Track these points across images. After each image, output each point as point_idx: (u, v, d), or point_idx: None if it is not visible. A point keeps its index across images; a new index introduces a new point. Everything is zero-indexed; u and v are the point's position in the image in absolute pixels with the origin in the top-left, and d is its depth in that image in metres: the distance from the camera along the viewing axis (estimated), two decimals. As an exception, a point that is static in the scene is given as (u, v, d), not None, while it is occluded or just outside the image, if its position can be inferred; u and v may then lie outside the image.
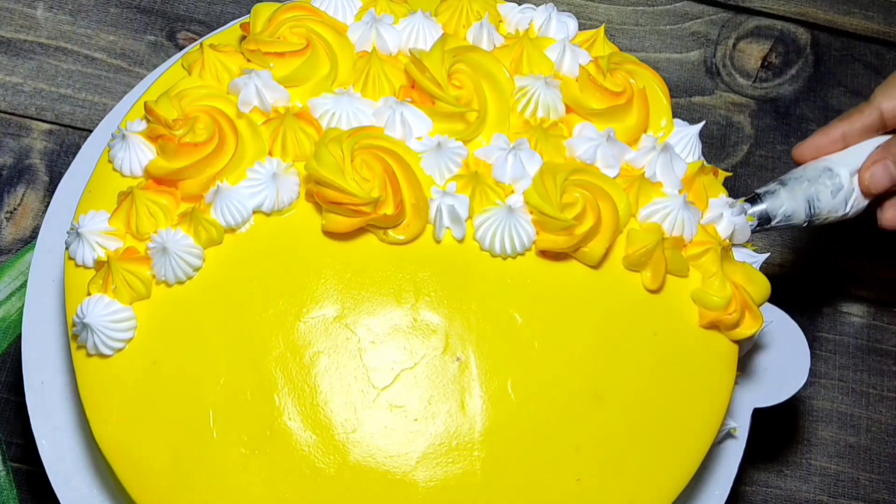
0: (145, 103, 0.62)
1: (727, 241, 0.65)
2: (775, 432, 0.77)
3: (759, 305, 0.63)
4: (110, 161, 0.63)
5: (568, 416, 0.59)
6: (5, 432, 0.72)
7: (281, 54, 0.63)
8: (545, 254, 0.62)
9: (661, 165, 0.64)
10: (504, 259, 0.62)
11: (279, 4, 0.65)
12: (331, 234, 0.61)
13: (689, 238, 0.63)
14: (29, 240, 0.77)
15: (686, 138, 0.66)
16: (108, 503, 0.63)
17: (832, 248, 0.83)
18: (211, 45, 0.65)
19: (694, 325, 0.63)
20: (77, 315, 0.59)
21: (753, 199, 0.68)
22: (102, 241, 0.60)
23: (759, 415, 0.67)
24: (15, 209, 0.78)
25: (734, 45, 0.89)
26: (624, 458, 0.59)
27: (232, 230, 0.61)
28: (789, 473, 0.77)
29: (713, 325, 0.62)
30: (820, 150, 0.68)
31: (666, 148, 0.64)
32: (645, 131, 0.66)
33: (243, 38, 0.66)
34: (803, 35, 0.89)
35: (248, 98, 0.62)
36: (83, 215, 0.61)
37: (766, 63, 0.88)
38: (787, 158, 0.85)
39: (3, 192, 0.78)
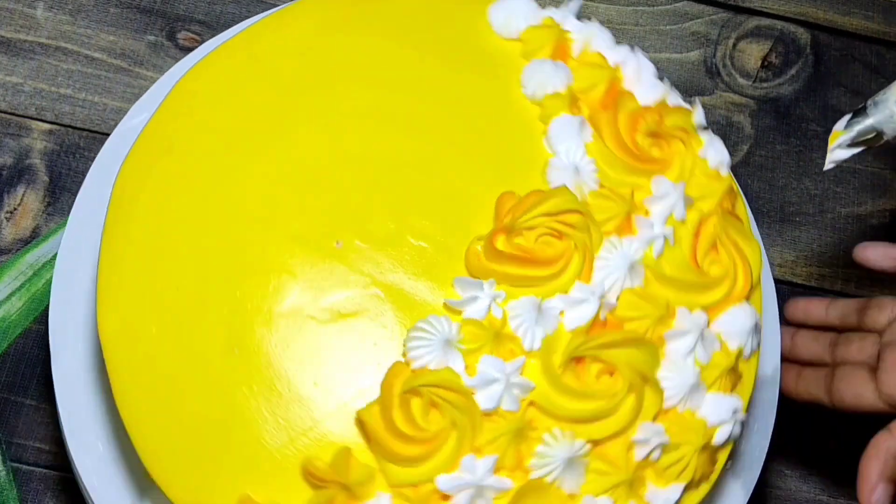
0: None
1: None
2: (775, 432, 0.77)
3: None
4: None
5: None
6: (5, 432, 0.72)
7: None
8: None
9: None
10: None
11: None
12: None
13: None
14: (29, 240, 0.77)
15: None
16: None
17: (833, 248, 0.83)
18: None
19: None
20: None
21: (860, 113, 0.65)
22: None
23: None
24: (15, 209, 0.78)
25: (734, 45, 0.89)
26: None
27: None
28: (789, 473, 0.77)
29: None
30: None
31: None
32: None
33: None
34: (803, 35, 0.89)
35: None
36: None
37: (766, 63, 0.88)
38: (788, 158, 0.85)
39: (3, 192, 0.78)
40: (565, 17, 0.69)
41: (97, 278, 0.61)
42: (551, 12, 0.69)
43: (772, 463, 0.76)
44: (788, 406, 0.69)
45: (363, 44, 0.67)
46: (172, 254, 0.61)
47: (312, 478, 0.56)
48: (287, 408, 0.58)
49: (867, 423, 0.78)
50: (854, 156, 0.66)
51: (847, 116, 0.66)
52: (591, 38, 0.68)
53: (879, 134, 0.65)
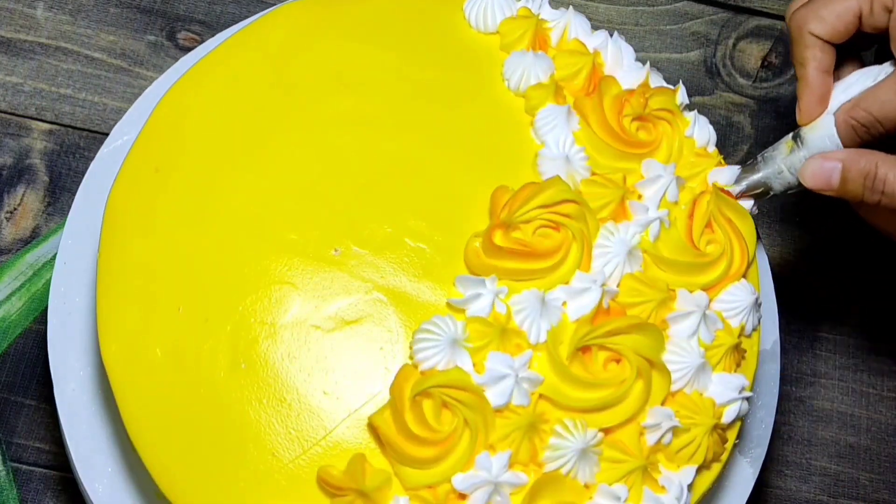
0: None
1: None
2: (775, 432, 0.77)
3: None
4: None
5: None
6: (5, 432, 0.72)
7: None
8: None
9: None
10: None
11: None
12: None
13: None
14: (29, 240, 0.77)
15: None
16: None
17: (833, 248, 0.83)
18: None
19: None
20: None
21: (749, 167, 0.67)
22: None
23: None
24: (15, 209, 0.78)
25: (734, 45, 0.89)
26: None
27: None
28: (789, 473, 0.77)
29: None
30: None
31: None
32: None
33: None
34: (803, 35, 0.89)
35: None
36: None
37: (766, 63, 0.88)
38: (787, 158, 0.85)
39: (3, 192, 0.78)
40: (540, 6, 0.69)
41: (96, 308, 0.61)
42: (526, 2, 0.69)
43: (772, 463, 0.76)
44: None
45: (342, 49, 0.67)
46: (169, 275, 0.61)
47: (328, 486, 0.56)
48: (298, 419, 0.58)
49: (869, 425, 0.79)
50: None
51: (737, 169, 0.67)
52: (569, 25, 0.68)
53: (768, 188, 0.66)
